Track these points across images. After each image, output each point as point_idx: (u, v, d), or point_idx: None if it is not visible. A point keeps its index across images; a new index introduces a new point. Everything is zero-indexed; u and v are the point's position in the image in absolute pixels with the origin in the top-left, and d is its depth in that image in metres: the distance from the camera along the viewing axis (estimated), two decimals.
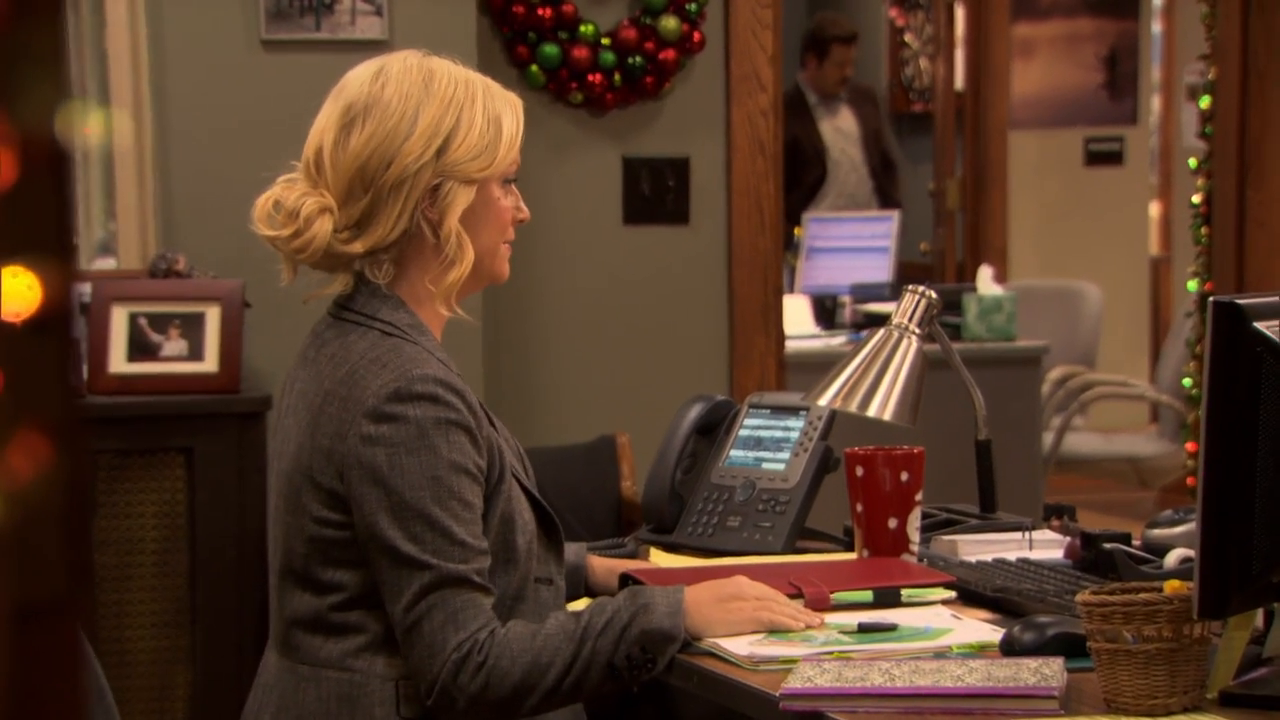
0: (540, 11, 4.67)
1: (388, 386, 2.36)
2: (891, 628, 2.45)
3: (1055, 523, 3.00)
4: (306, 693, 2.41)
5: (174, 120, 4.40)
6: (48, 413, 0.89)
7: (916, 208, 8.61)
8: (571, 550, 2.69)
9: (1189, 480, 5.79)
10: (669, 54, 4.74)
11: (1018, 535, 2.94)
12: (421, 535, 2.32)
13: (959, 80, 8.93)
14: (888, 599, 2.59)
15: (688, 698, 2.55)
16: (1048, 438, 6.77)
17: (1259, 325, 2.06)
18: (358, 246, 2.43)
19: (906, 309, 2.99)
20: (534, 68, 4.69)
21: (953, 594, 2.63)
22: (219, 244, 4.32)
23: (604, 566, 2.77)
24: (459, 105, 2.43)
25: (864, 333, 5.04)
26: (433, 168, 2.42)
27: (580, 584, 2.72)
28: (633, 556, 2.93)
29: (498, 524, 2.41)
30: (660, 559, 2.99)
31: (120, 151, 4.39)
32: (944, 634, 2.42)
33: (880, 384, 2.92)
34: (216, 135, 4.39)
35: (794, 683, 2.18)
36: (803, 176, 8.00)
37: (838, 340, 5.81)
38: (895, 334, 2.97)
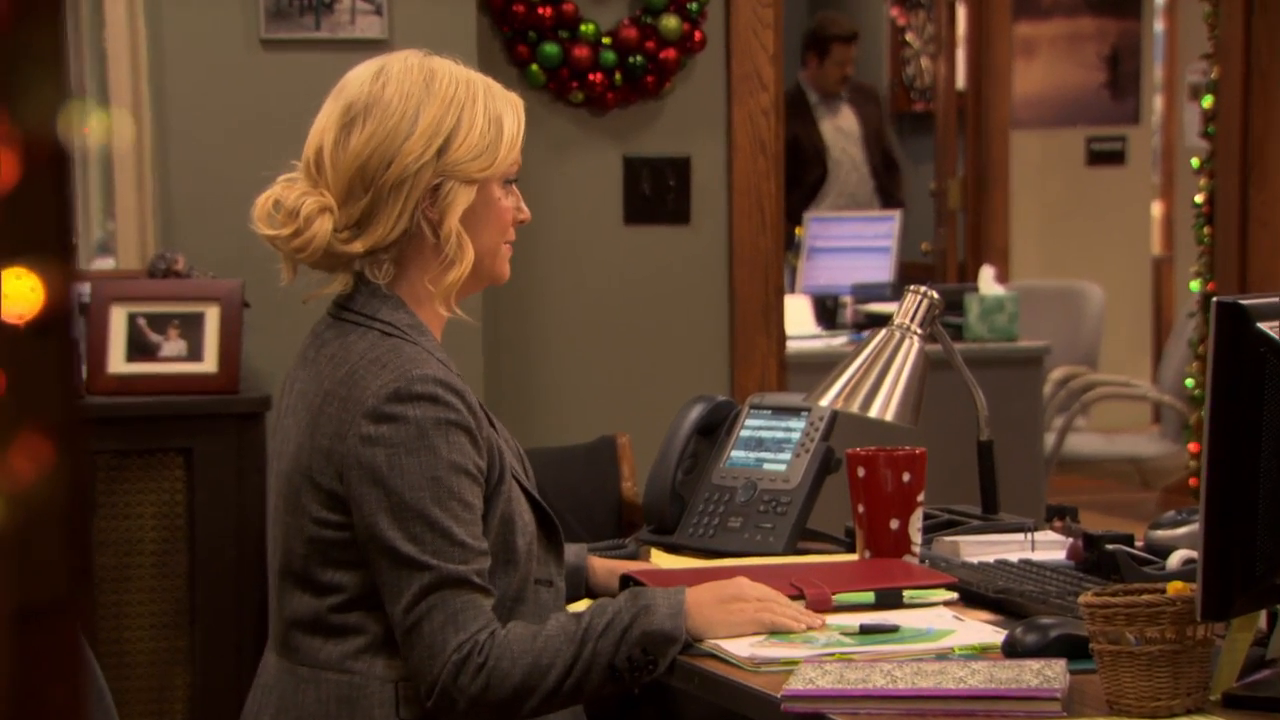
0: (541, 10, 4.66)
1: (387, 387, 2.35)
2: (893, 629, 2.45)
3: (1057, 524, 2.99)
4: (306, 694, 2.40)
5: (173, 120, 4.39)
6: (49, 414, 0.89)
7: (918, 207, 8.61)
8: (572, 551, 2.69)
9: (1191, 481, 5.78)
10: (670, 53, 4.73)
11: (1020, 536, 2.94)
12: (421, 536, 2.32)
13: (960, 80, 8.93)
14: (889, 600, 2.59)
15: (689, 699, 2.54)
16: (1049, 438, 6.76)
17: (1262, 326, 2.06)
18: (358, 246, 2.43)
19: (908, 309, 2.98)
20: (534, 67, 4.68)
21: (955, 595, 2.63)
22: (218, 244, 4.31)
23: (605, 567, 2.76)
24: (460, 105, 2.42)
25: (865, 333, 5.03)
26: (433, 167, 2.41)
27: (581, 585, 2.71)
28: (633, 557, 2.92)
29: (497, 525, 2.41)
30: (661, 560, 2.98)
31: (119, 151, 4.38)
32: (946, 635, 2.42)
33: (882, 384, 2.92)
34: (216, 135, 4.38)
35: (795, 684, 2.17)
36: (803, 176, 7.99)
37: (839, 340, 5.80)
38: (897, 334, 2.96)
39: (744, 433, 3.11)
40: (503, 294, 4.48)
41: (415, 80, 2.43)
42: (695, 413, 3.15)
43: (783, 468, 3.05)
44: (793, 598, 2.53)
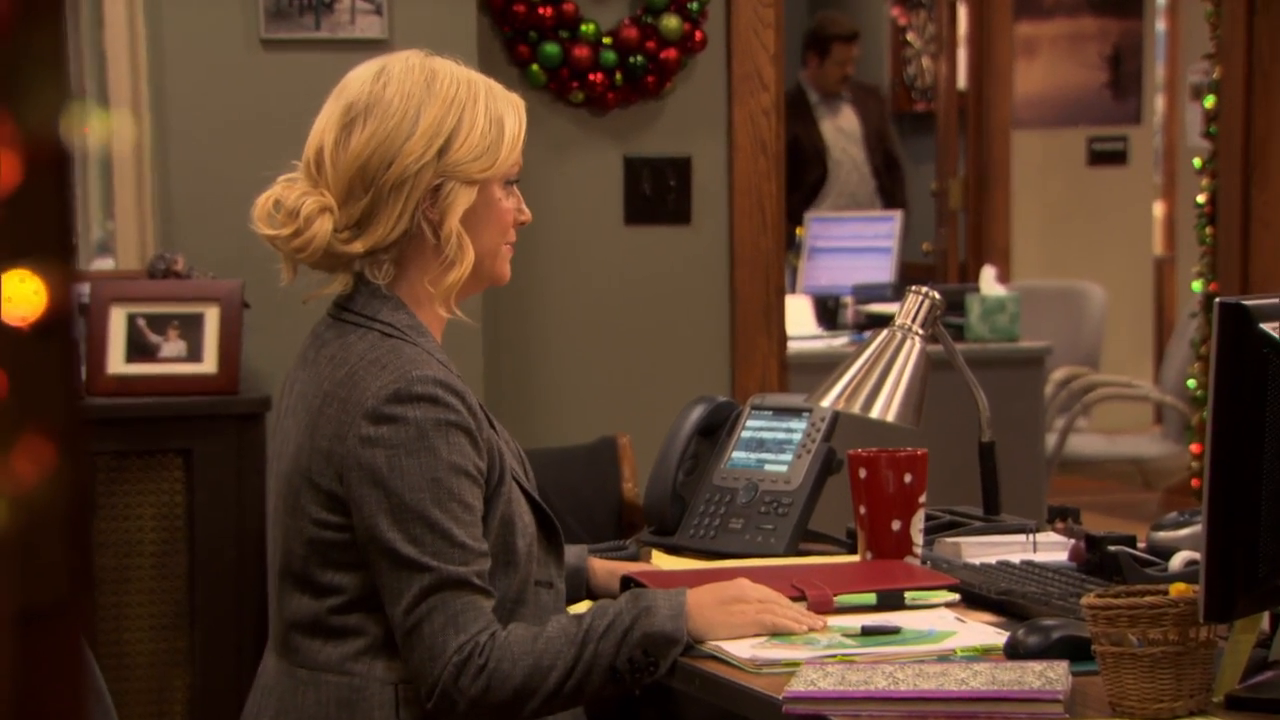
0: (541, 10, 4.66)
1: (387, 388, 2.35)
2: (895, 630, 2.44)
3: (1059, 525, 2.99)
4: (306, 696, 2.40)
5: (173, 120, 4.38)
6: (52, 417, 0.89)
7: (919, 208, 8.60)
8: (573, 553, 2.69)
9: (1193, 482, 5.77)
10: (670, 53, 4.72)
11: (1022, 537, 2.94)
12: (421, 537, 2.32)
13: (962, 79, 8.92)
14: (891, 602, 2.58)
15: (690, 701, 2.54)
16: (1051, 439, 6.75)
17: (1265, 327, 2.05)
18: (358, 246, 2.43)
19: (910, 310, 2.98)
20: (535, 67, 4.67)
21: (956, 597, 2.62)
22: (218, 244, 4.31)
23: (605, 569, 2.76)
24: (461, 105, 2.42)
25: (866, 333, 5.03)
26: (434, 168, 2.41)
27: (581, 586, 2.71)
28: (634, 559, 2.92)
29: (498, 526, 2.40)
30: (662, 561, 2.98)
31: (119, 151, 4.37)
32: (948, 637, 2.42)
33: (883, 385, 2.91)
34: (215, 135, 4.38)
35: (797, 686, 2.17)
36: (803, 176, 7.99)
37: (840, 341, 5.80)
38: (898, 335, 2.96)
39: (745, 434, 3.11)
40: (503, 294, 4.47)
41: (416, 80, 2.43)
42: (696, 413, 3.15)
43: (784, 469, 3.04)
44: (794, 599, 2.53)
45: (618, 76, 4.71)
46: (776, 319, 4.84)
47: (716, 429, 3.15)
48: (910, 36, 9.66)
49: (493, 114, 2.45)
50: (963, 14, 8.94)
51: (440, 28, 4.44)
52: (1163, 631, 2.06)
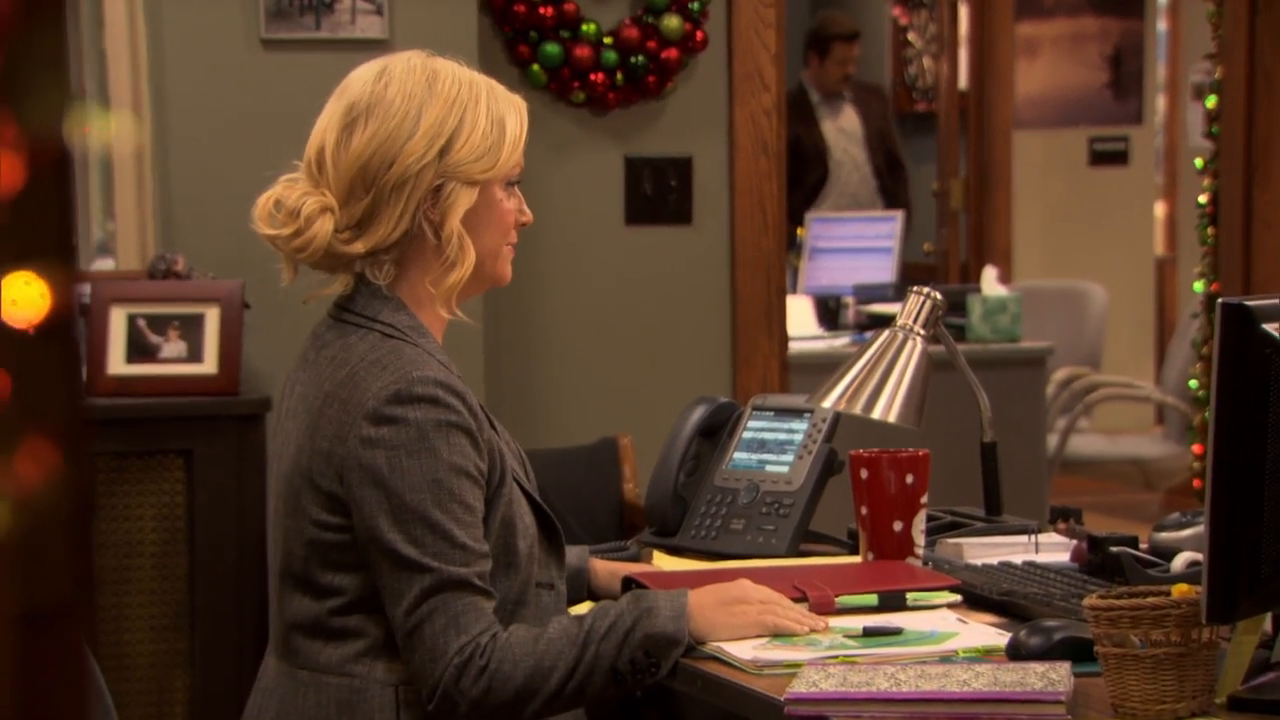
0: (542, 10, 4.65)
1: (388, 389, 2.35)
2: (897, 631, 2.44)
3: (1061, 526, 2.98)
4: (306, 698, 2.40)
5: (173, 120, 4.38)
6: (54, 418, 0.89)
7: (920, 208, 8.60)
8: (574, 553, 2.68)
9: (1195, 482, 5.77)
10: (671, 53, 4.72)
11: (1023, 538, 2.93)
12: (422, 538, 2.31)
13: (963, 79, 8.92)
14: (893, 602, 2.58)
15: (691, 702, 2.53)
16: (1052, 439, 6.75)
17: (1267, 327, 2.05)
18: (358, 247, 2.42)
19: (911, 310, 2.97)
20: (535, 67, 4.67)
21: (958, 597, 2.62)
22: (218, 244, 4.30)
23: (607, 570, 2.76)
24: (462, 106, 2.42)
25: (868, 334, 5.02)
26: (435, 168, 2.41)
27: (583, 587, 2.70)
28: (635, 560, 2.92)
29: (498, 528, 2.40)
30: (663, 562, 2.98)
31: (119, 151, 4.37)
32: (949, 638, 2.41)
33: (885, 386, 2.91)
34: (216, 135, 4.37)
35: (799, 687, 2.17)
36: (804, 176, 7.98)
37: (841, 341, 5.79)
38: (900, 335, 2.95)
39: (746, 434, 3.11)
40: (504, 295, 4.47)
41: (418, 81, 2.42)
42: (697, 414, 3.14)
43: (785, 469, 3.04)
44: (795, 600, 2.52)
45: (619, 76, 4.70)
46: (778, 319, 4.83)
47: (718, 430, 3.15)
48: (911, 36, 9.66)
49: (494, 115, 2.45)
50: (964, 14, 8.94)
51: (441, 28, 4.43)
52: (1165, 633, 2.05)
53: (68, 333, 0.90)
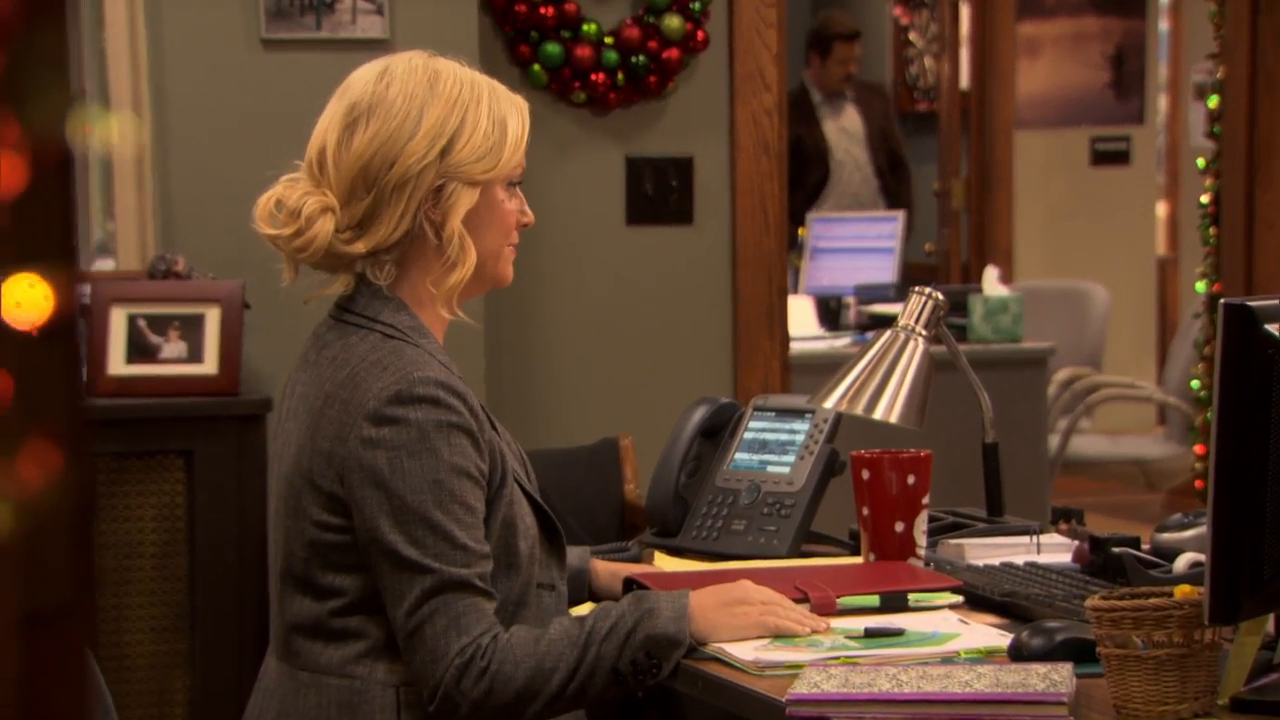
0: (543, 10, 4.65)
1: (389, 389, 2.34)
2: (898, 632, 2.43)
3: (1063, 526, 2.98)
4: (307, 699, 2.40)
5: (173, 120, 4.38)
6: (57, 420, 0.89)
7: (921, 208, 8.59)
8: (575, 554, 2.68)
9: (1197, 483, 5.76)
10: (672, 53, 4.72)
11: (1025, 539, 2.93)
12: (423, 539, 2.31)
13: (964, 79, 8.92)
14: (894, 603, 2.57)
15: (693, 703, 2.53)
16: (1054, 440, 6.74)
17: (1270, 328, 2.05)
18: (359, 247, 2.42)
19: (913, 310, 2.97)
20: (536, 67, 4.66)
21: (960, 598, 2.62)
22: (218, 245, 4.30)
23: (608, 570, 2.75)
24: (464, 106, 2.42)
25: (869, 334, 5.02)
26: (436, 168, 2.40)
27: (584, 588, 2.70)
28: (636, 560, 2.91)
29: (499, 528, 2.40)
30: (664, 563, 2.97)
31: (119, 151, 4.36)
32: (951, 639, 2.41)
33: (886, 386, 2.90)
34: (216, 135, 4.37)
35: (800, 688, 2.16)
36: (805, 176, 7.98)
37: (842, 342, 5.79)
38: (902, 336, 2.95)
39: (748, 435, 3.10)
40: (504, 295, 4.46)
41: (419, 81, 2.42)
42: (699, 415, 3.14)
43: (787, 470, 3.03)
44: (797, 601, 2.52)
45: (619, 76, 4.70)
46: (779, 320, 4.83)
47: (719, 430, 3.14)
48: (913, 36, 9.65)
49: (496, 115, 2.44)
50: (965, 13, 8.93)
51: (441, 27, 4.43)
52: (1167, 634, 2.05)
53: (69, 334, 0.90)
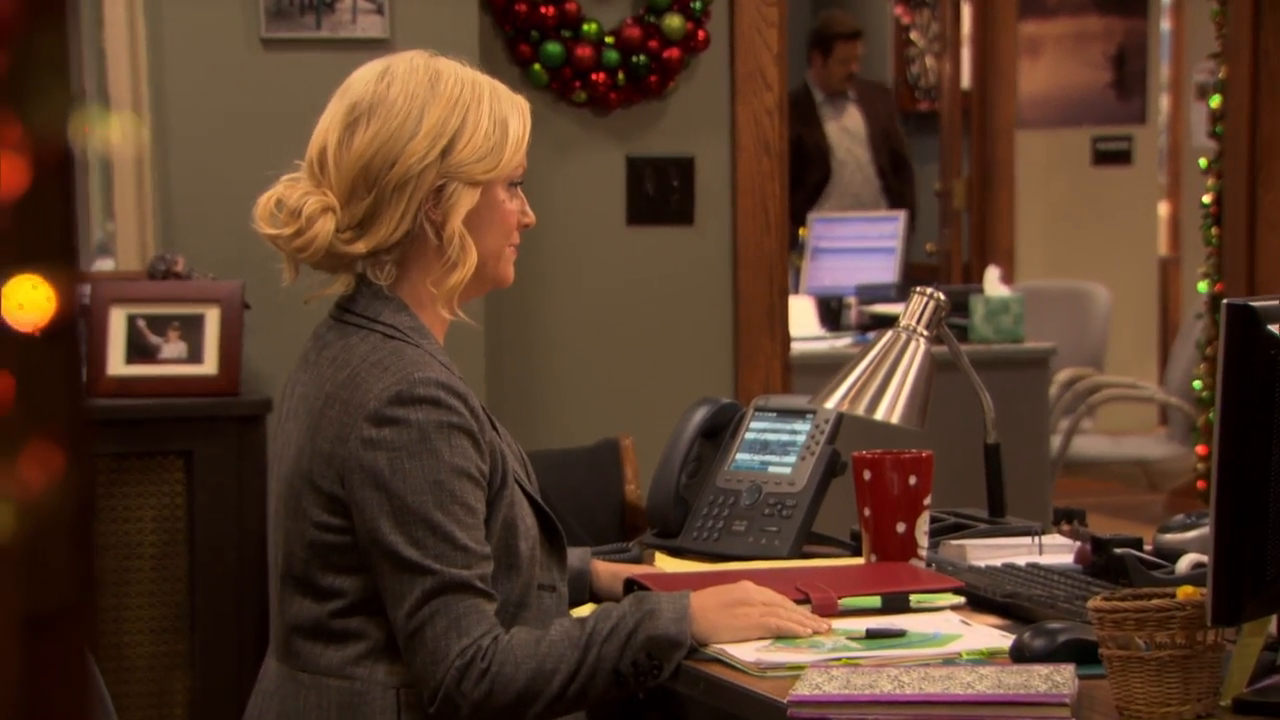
0: (543, 10, 4.64)
1: (389, 390, 2.34)
2: (900, 634, 2.43)
3: (1065, 527, 2.97)
4: (307, 700, 2.39)
5: (173, 120, 4.37)
6: (58, 422, 0.89)
7: (923, 207, 8.59)
8: (576, 555, 2.68)
9: (1199, 483, 5.76)
10: (673, 53, 4.71)
11: (1027, 540, 2.92)
12: (423, 540, 2.31)
13: (965, 79, 8.91)
14: (896, 604, 2.57)
15: (694, 704, 2.52)
16: (1056, 440, 6.74)
17: (1273, 328, 2.04)
18: (360, 247, 2.42)
19: (914, 311, 2.96)
20: (537, 66, 4.66)
21: (962, 599, 2.61)
22: (218, 245, 4.30)
23: (608, 571, 2.75)
24: (465, 106, 2.41)
25: (870, 334, 5.01)
26: (437, 168, 2.40)
27: (585, 589, 2.70)
28: (637, 561, 2.91)
29: (500, 529, 2.39)
30: (665, 564, 2.97)
31: (119, 151, 4.36)
32: (953, 640, 2.40)
33: (888, 387, 2.90)
34: (216, 135, 4.37)
35: (802, 689, 2.16)
36: (806, 176, 7.97)
37: (843, 342, 5.78)
38: (903, 336, 2.95)
39: (749, 435, 3.10)
40: (505, 296, 4.46)
41: (420, 81, 2.42)
42: (699, 415, 3.13)
43: (788, 470, 3.03)
44: (798, 602, 2.52)
45: (620, 76, 4.70)
46: (780, 320, 4.83)
47: (720, 431, 3.14)
48: (914, 35, 9.65)
49: (497, 115, 2.44)
50: (966, 13, 8.93)
51: (442, 27, 4.43)
52: (1170, 635, 2.04)
53: (71, 335, 0.89)
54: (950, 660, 2.32)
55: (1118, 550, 2.66)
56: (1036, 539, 2.92)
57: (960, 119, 8.81)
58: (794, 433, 3.06)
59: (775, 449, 3.06)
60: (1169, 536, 2.78)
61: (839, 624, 2.48)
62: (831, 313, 6.07)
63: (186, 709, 4.03)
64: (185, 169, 4.37)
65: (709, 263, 4.80)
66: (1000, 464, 3.07)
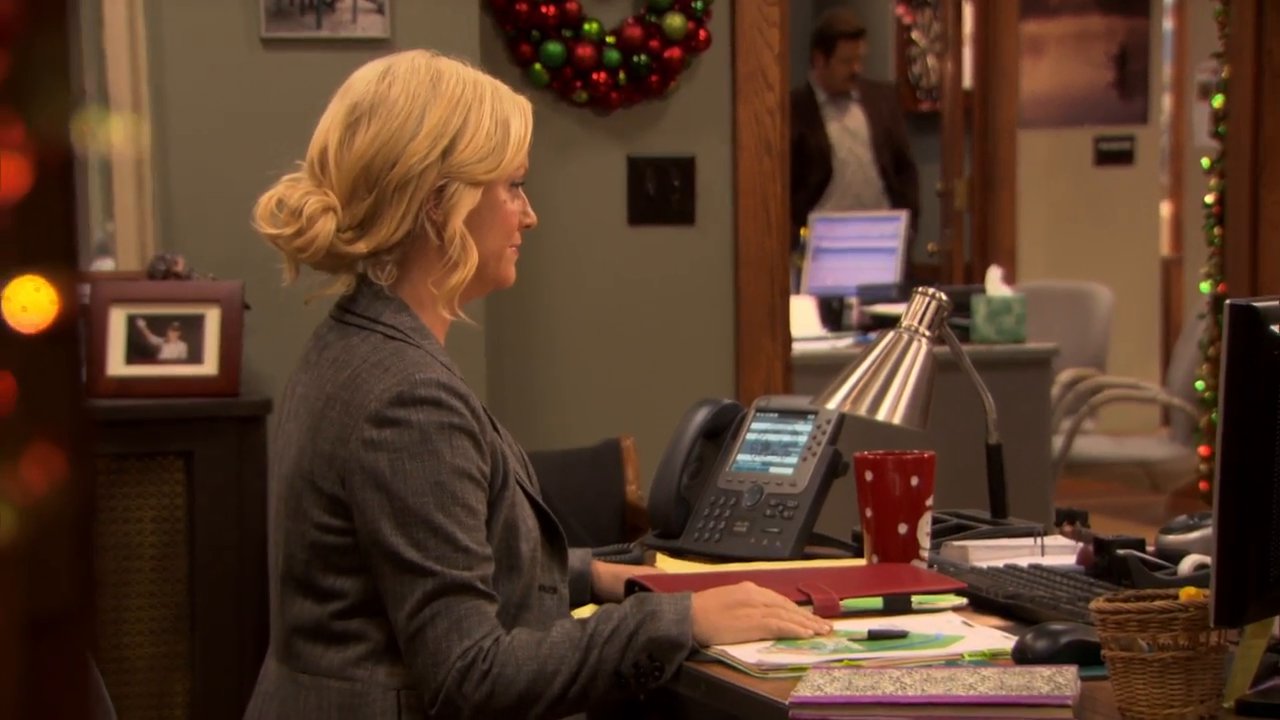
0: (544, 9, 4.64)
1: (390, 391, 2.34)
2: (902, 635, 2.42)
3: (1067, 528, 2.97)
4: (307, 702, 2.39)
5: (173, 120, 4.37)
6: (60, 424, 0.89)
7: (924, 208, 8.58)
8: (577, 556, 2.67)
9: (1201, 484, 5.76)
10: (674, 52, 4.71)
11: (1029, 541, 2.92)
12: (424, 541, 2.30)
13: (967, 78, 8.91)
14: (898, 606, 2.56)
15: (696, 706, 2.52)
16: (1058, 441, 6.73)
17: (1275, 329, 2.04)
18: (361, 247, 2.41)
19: (916, 311, 2.96)
20: (537, 66, 4.66)
21: (964, 601, 2.61)
22: (218, 245, 4.29)
23: (610, 573, 2.74)
24: (466, 106, 2.41)
25: (872, 335, 5.01)
26: (438, 168, 2.40)
27: (586, 590, 2.69)
28: (638, 562, 2.90)
29: (501, 530, 2.39)
30: (666, 565, 2.96)
31: (119, 152, 4.36)
32: (955, 641, 2.40)
33: (890, 387, 2.89)
34: (216, 135, 4.36)
35: (803, 691, 2.15)
36: (808, 176, 7.97)
37: (844, 342, 5.78)
38: (905, 336, 2.94)
39: (750, 436, 3.09)
40: (506, 296, 4.45)
41: (422, 81, 2.41)
42: (701, 416, 3.13)
43: (789, 471, 3.02)
44: (800, 603, 2.51)
45: (621, 76, 4.69)
46: (781, 320, 4.82)
47: (721, 431, 3.13)
48: (916, 35, 9.64)
49: (498, 115, 2.44)
50: (968, 12, 8.92)
51: (442, 27, 4.42)
52: (1173, 636, 2.04)
53: (72, 337, 0.89)
54: (952, 661, 2.32)
55: (1120, 551, 2.65)
56: (1039, 540, 2.91)
57: (962, 119, 8.81)
58: (795, 433, 3.06)
59: (777, 450, 3.06)
60: (1171, 537, 2.78)
61: (841, 625, 2.48)
62: (833, 313, 6.07)
63: (186, 710, 4.03)
64: (185, 169, 4.37)
65: (710, 263, 4.80)
66: (1002, 465, 3.07)
